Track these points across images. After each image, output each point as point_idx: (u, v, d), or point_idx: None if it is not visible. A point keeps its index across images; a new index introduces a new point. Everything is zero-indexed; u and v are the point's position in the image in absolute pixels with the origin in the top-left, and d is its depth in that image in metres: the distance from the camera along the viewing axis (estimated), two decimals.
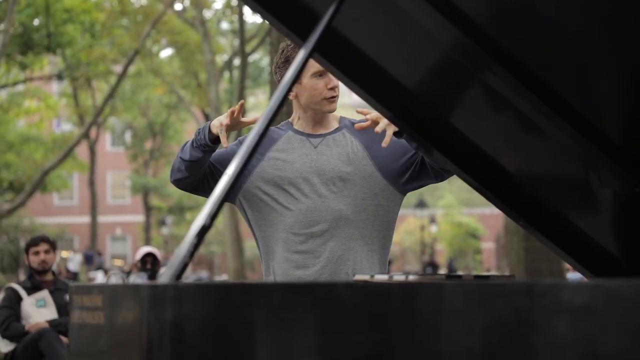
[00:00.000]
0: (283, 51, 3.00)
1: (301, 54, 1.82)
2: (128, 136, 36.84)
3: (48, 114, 26.00)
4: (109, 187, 43.15)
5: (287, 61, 2.96)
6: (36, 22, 21.13)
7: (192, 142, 2.94)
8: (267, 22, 2.03)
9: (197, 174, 2.98)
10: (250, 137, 1.76)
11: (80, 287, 1.74)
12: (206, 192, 2.98)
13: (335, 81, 2.91)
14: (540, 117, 2.11)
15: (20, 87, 25.49)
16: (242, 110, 2.91)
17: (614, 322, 1.33)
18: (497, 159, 2.34)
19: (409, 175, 2.96)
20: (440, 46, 2.10)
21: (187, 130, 32.90)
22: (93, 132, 28.41)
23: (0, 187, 24.99)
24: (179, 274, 1.62)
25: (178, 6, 23.61)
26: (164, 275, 1.64)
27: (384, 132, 2.76)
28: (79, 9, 21.09)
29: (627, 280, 1.33)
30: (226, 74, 26.36)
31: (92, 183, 29.26)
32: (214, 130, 2.89)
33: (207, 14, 24.81)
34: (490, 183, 2.35)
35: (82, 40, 21.64)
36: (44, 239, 6.44)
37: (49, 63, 26.04)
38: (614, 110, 2.11)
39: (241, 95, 18.91)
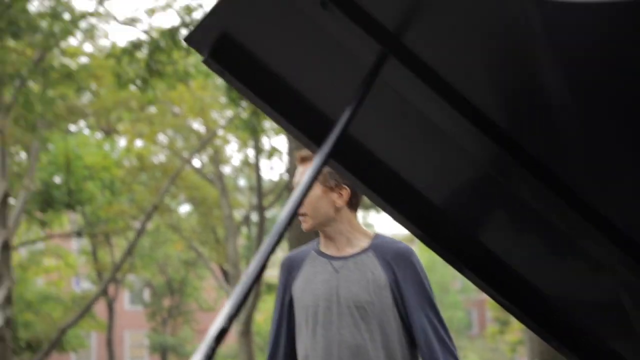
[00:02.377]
0: None
1: (316, 160, 1.78)
2: (147, 294, 36.66)
3: (67, 272, 26.05)
4: (127, 347, 42.52)
5: None
6: (57, 179, 21.49)
7: None
8: (288, 138, 2.02)
9: None
10: (271, 237, 1.71)
11: None
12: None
13: None
14: (571, 228, 2.05)
15: (39, 245, 25.64)
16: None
17: None
18: (528, 277, 2.26)
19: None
20: (470, 158, 2.05)
21: (205, 287, 32.75)
22: (112, 290, 28.30)
23: (17, 347, 24.69)
24: None
25: (196, 162, 24.01)
26: None
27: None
28: (99, 166, 21.49)
29: None
30: (244, 230, 26.47)
31: (109, 342, 28.89)
32: None
33: (225, 169, 25.20)
34: (521, 303, 2.27)
35: (102, 197, 21.92)
36: None
37: (69, 221, 26.30)
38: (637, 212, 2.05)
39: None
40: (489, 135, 1.95)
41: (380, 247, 2.93)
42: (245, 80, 2.02)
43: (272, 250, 1.65)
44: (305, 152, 2.95)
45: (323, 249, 2.98)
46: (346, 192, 2.93)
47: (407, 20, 1.84)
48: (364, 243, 2.96)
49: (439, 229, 2.19)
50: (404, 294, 2.84)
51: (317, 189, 2.93)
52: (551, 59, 1.87)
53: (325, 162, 1.73)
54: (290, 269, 3.00)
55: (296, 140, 2.02)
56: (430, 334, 2.81)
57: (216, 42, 2.01)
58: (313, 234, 3.05)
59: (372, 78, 1.82)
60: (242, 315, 19.84)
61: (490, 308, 34.08)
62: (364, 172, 2.06)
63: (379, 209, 2.17)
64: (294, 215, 1.68)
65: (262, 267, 1.63)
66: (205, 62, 2.04)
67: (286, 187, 19.17)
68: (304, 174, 2.95)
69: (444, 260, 2.23)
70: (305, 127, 2.00)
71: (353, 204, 2.97)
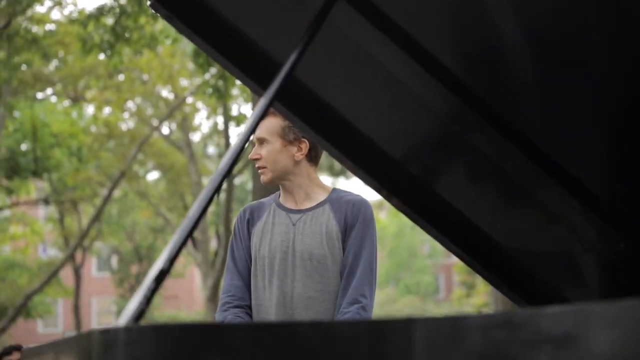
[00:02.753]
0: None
1: (261, 102, 1.74)
2: (114, 261, 36.57)
3: (34, 239, 25.87)
4: (94, 313, 42.45)
5: None
6: (23, 146, 21.26)
7: None
8: (227, 71, 1.97)
9: None
10: (208, 187, 1.67)
11: (31, 349, 1.62)
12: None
13: (252, 153, 2.90)
14: (525, 177, 2.03)
15: (6, 213, 25.42)
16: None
17: (599, 349, 1.21)
18: (484, 228, 2.24)
19: None
20: (424, 106, 2.02)
21: None
22: (79, 257, 28.19)
23: None
24: (135, 320, 1.50)
25: (165, 129, 23.86)
26: (120, 320, 1.52)
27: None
28: (66, 133, 21.28)
29: (611, 304, 1.22)
30: None
31: (76, 309, 28.80)
32: None
33: (194, 137, 25.07)
34: (475, 252, 2.25)
35: (69, 164, 21.73)
36: (16, 348, 6.26)
37: (35, 188, 26.08)
38: (594, 160, 2.04)
39: (227, 217, 18.88)
40: (443, 82, 1.92)
41: (336, 200, 2.94)
42: (191, 24, 1.97)
43: (214, 193, 1.61)
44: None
45: (282, 201, 2.99)
46: (305, 145, 2.93)
47: None
48: (322, 197, 2.97)
49: (394, 179, 2.16)
50: (349, 239, 2.84)
51: (277, 142, 2.92)
52: (508, 9, 1.83)
53: (270, 104, 1.69)
54: (249, 217, 3.00)
55: (244, 84, 1.96)
56: (354, 277, 2.82)
57: None
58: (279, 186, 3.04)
59: (320, 21, 1.77)
60: (209, 280, 19.87)
61: (457, 272, 34.33)
62: (312, 117, 2.03)
63: (340, 164, 2.13)
64: (236, 158, 1.64)
65: (204, 210, 1.60)
66: (151, 5, 1.99)
67: None
68: (262, 128, 2.92)
69: (398, 210, 2.20)
70: (252, 71, 1.97)
71: (312, 158, 2.97)
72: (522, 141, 1.97)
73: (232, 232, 3.04)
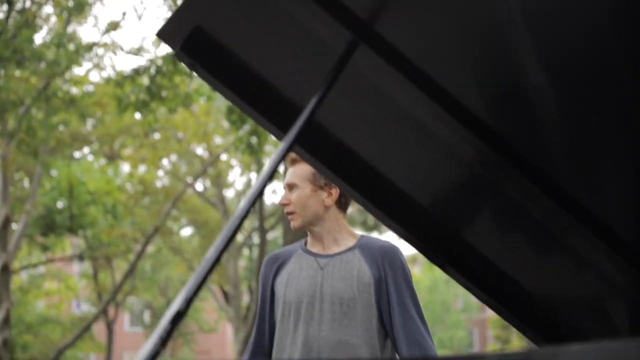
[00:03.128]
0: None
1: (281, 146, 1.74)
2: (147, 316, 36.53)
3: (68, 294, 25.98)
4: None
5: None
6: (59, 204, 21.48)
7: None
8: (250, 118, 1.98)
9: None
10: (226, 229, 1.67)
11: None
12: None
13: (281, 198, 2.91)
14: (553, 222, 2.00)
15: (40, 269, 25.59)
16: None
17: None
18: (513, 275, 2.21)
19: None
20: (449, 151, 2.00)
21: (206, 309, 32.63)
22: (112, 312, 28.22)
23: None
24: None
25: (199, 186, 24.01)
26: None
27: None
28: (102, 191, 21.48)
29: (633, 340, 1.19)
30: (245, 252, 26.42)
31: None
32: None
33: (228, 193, 25.19)
34: (501, 297, 2.22)
35: (104, 221, 21.90)
36: None
37: (70, 245, 26.27)
38: (624, 204, 2.00)
39: (259, 272, 18.87)
40: (468, 126, 1.90)
41: (366, 245, 2.94)
42: (215, 72, 1.99)
43: (232, 236, 1.61)
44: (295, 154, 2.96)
45: (310, 247, 2.99)
46: (335, 191, 2.95)
47: (379, 7, 1.80)
48: (351, 243, 2.97)
49: (419, 225, 2.14)
50: (389, 290, 2.83)
51: (307, 188, 2.94)
52: (533, 50, 1.83)
53: (290, 147, 1.69)
54: (273, 265, 3.00)
55: (265, 129, 1.97)
56: (411, 330, 2.81)
57: (187, 35, 1.98)
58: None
59: (341, 65, 1.78)
60: (240, 335, 19.82)
61: (492, 326, 33.88)
62: (334, 161, 2.02)
63: (367, 211, 2.12)
64: (257, 198, 1.64)
65: (221, 252, 1.59)
66: (176, 55, 2.01)
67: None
68: (292, 174, 2.94)
69: (425, 257, 2.18)
70: (274, 116, 1.97)
71: (342, 204, 2.98)
72: (550, 185, 1.94)
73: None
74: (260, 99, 1.96)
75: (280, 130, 1.97)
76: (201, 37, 1.98)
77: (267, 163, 1.68)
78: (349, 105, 2.01)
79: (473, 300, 42.19)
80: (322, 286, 2.86)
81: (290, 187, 2.95)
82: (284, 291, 2.91)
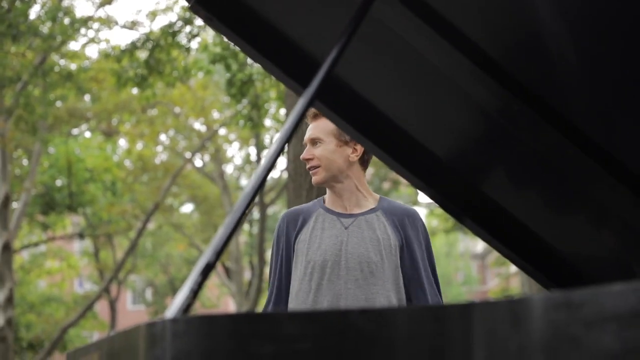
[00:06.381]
0: None
1: (301, 101, 1.70)
2: (149, 294, 36.61)
3: (69, 273, 25.99)
4: None
5: None
6: (58, 182, 21.44)
7: None
8: (272, 76, 1.94)
9: None
10: (253, 178, 1.64)
11: (77, 350, 1.60)
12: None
13: (304, 153, 2.85)
14: (577, 171, 1.97)
15: (41, 248, 25.58)
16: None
17: None
18: (532, 227, 2.18)
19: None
20: (470, 100, 1.97)
21: (208, 285, 32.70)
22: (114, 291, 28.27)
23: (19, 347, 24.65)
24: (182, 313, 1.47)
25: (198, 162, 23.96)
26: (167, 313, 1.49)
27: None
28: (101, 167, 21.44)
29: None
30: (246, 227, 26.43)
31: None
32: None
33: (227, 168, 25.14)
34: (523, 251, 2.20)
35: (104, 199, 21.86)
36: None
37: (71, 223, 26.25)
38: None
39: (261, 248, 18.86)
40: (491, 75, 1.87)
41: (389, 209, 2.91)
42: (232, 25, 1.95)
43: (259, 188, 1.58)
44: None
45: (330, 206, 2.94)
46: (360, 147, 2.90)
47: None
48: (371, 204, 2.94)
49: (438, 177, 2.11)
50: (411, 254, 2.81)
51: (332, 143, 2.89)
52: None
53: (310, 103, 1.65)
54: (294, 222, 2.94)
55: (284, 84, 1.94)
56: (428, 294, 2.82)
57: None
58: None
59: (361, 15, 1.74)
60: (243, 310, 19.81)
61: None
62: (354, 115, 1.99)
63: (384, 164, 2.09)
64: (279, 153, 1.61)
65: (249, 204, 1.57)
66: (191, 8, 1.98)
67: (287, 184, 19.17)
68: (316, 128, 2.89)
69: (444, 210, 2.15)
70: (292, 70, 1.93)
71: (364, 161, 2.94)
72: (575, 133, 1.91)
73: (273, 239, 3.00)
74: (278, 53, 1.92)
75: (299, 84, 1.93)
76: None
77: (288, 119, 1.63)
78: (369, 57, 1.97)
79: (473, 273, 42.25)
80: (347, 245, 2.83)
81: (313, 142, 2.90)
82: (307, 250, 2.86)
